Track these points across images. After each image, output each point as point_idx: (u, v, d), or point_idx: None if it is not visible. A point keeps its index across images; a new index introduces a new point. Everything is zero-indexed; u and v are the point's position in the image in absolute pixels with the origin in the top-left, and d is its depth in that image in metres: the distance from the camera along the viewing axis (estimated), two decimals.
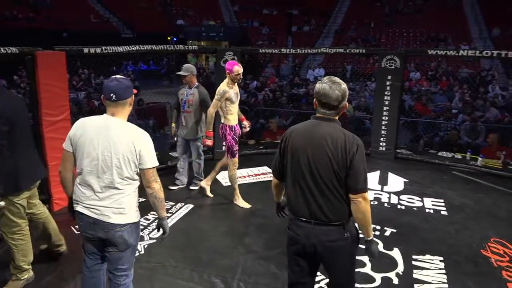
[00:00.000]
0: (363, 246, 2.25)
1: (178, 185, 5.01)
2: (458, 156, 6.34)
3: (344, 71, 15.48)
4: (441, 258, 3.51)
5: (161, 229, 2.51)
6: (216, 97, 4.25)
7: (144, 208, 4.31)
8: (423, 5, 21.62)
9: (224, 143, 4.65)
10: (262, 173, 5.61)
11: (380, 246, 3.66)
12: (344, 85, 2.13)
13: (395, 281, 3.19)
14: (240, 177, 5.43)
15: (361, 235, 2.21)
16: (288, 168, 2.18)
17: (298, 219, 2.17)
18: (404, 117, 8.25)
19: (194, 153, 4.97)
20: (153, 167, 2.28)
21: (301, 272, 2.26)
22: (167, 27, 20.87)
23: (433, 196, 4.83)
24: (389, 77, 5.85)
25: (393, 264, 3.40)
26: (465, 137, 7.70)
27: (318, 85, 2.14)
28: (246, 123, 4.66)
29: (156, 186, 2.31)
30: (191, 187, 5.01)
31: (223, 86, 4.25)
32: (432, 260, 3.50)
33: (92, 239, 2.33)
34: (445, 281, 3.20)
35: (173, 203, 4.53)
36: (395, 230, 4.01)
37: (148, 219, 4.13)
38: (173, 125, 5.15)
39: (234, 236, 3.87)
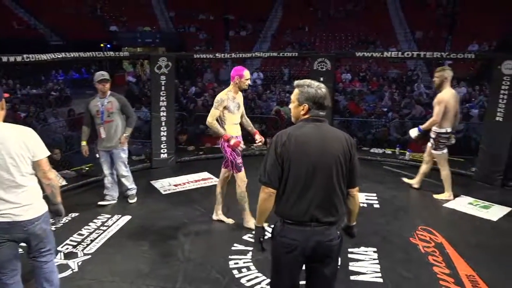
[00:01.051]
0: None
1: (108, 201, 4.68)
2: (388, 151, 6.71)
3: (282, 74, 15.82)
4: (375, 249, 3.69)
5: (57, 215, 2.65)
6: (214, 105, 3.87)
7: (78, 222, 4.16)
8: (353, 10, 22.70)
9: (224, 156, 4.11)
10: (202, 179, 5.56)
11: None
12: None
13: None
14: (179, 184, 5.36)
15: None
16: (289, 174, 2.10)
17: (295, 224, 2.13)
18: (339, 117, 8.61)
19: (120, 166, 4.61)
20: (45, 157, 2.44)
21: (291, 279, 2.23)
22: (100, 33, 20.07)
23: (367, 191, 5.07)
24: (322, 79, 6.04)
25: None
26: (394, 134, 8.19)
27: (311, 90, 2.14)
28: (258, 137, 4.06)
29: (52, 175, 2.50)
30: (130, 200, 4.74)
31: (221, 94, 3.89)
32: (366, 251, 3.67)
33: (8, 243, 2.38)
34: (379, 270, 3.36)
35: (109, 216, 4.36)
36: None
37: (82, 234, 3.93)
38: (84, 143, 4.59)
39: (173, 244, 3.79)
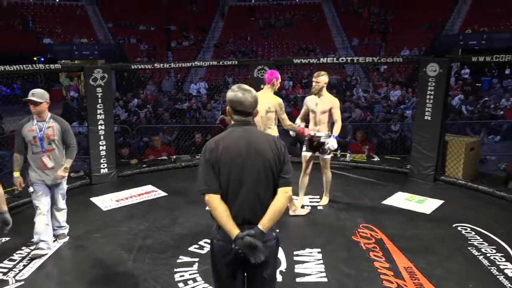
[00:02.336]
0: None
1: (43, 250, 3.71)
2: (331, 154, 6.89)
3: (226, 83, 15.88)
4: (319, 250, 3.77)
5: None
6: (282, 109, 4.25)
7: (9, 247, 3.87)
8: (292, 19, 23.38)
9: None
10: (146, 192, 5.41)
11: None
12: (254, 92, 2.21)
13: (279, 278, 3.31)
14: (121, 199, 5.18)
15: None
16: (220, 179, 2.11)
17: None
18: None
19: (59, 199, 3.97)
20: None
21: (231, 284, 2.20)
22: (33, 47, 19.04)
23: (311, 194, 5.18)
24: (262, 86, 6.12)
25: (277, 263, 3.54)
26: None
27: (230, 94, 2.17)
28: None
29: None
30: (60, 240, 3.98)
31: (277, 98, 4.29)
32: (311, 253, 3.73)
33: None
34: (323, 270, 3.43)
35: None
36: (278, 230, 4.17)
37: (13, 260, 3.67)
38: (17, 174, 3.78)
39: (115, 262, 3.63)
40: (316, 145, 4.61)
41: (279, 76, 4.40)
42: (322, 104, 4.51)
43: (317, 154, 4.67)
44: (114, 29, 21.85)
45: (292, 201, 4.58)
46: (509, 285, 3.19)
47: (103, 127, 5.68)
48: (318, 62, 6.31)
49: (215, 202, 2.11)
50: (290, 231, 4.22)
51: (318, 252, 3.73)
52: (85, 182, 5.73)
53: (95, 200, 5.14)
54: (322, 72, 4.54)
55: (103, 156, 5.75)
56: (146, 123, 9.98)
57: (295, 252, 3.72)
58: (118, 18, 22.23)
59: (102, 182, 5.74)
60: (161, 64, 6.08)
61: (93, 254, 3.80)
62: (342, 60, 6.16)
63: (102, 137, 5.70)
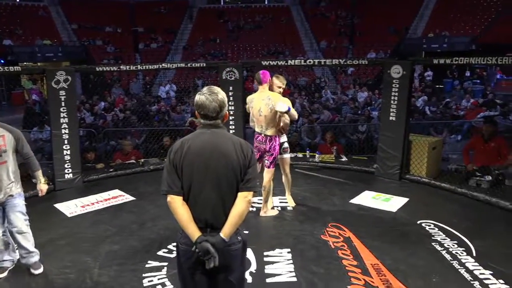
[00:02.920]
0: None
1: (8, 267, 3.49)
2: (300, 155, 6.99)
3: (196, 85, 15.77)
4: (289, 250, 3.80)
5: None
6: (289, 108, 4.24)
7: None
8: (261, 21, 23.50)
9: (268, 155, 4.48)
10: (113, 197, 5.29)
11: None
12: (221, 95, 2.17)
13: (249, 280, 3.33)
14: (87, 204, 5.04)
15: None
16: (182, 181, 2.10)
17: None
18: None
19: (18, 218, 3.39)
20: None
21: (199, 287, 2.18)
22: None
23: (280, 194, 5.21)
24: (231, 88, 6.15)
25: (247, 265, 3.54)
26: (305, 138, 8.59)
27: (197, 97, 2.16)
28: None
29: None
30: (34, 271, 3.46)
31: (281, 97, 4.34)
32: (281, 253, 3.76)
33: None
34: (293, 270, 3.46)
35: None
36: (247, 232, 4.17)
37: None
38: None
39: (81, 269, 3.53)
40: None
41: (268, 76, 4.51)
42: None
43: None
44: (79, 30, 21.29)
45: (265, 203, 4.61)
46: (469, 277, 3.31)
47: (67, 131, 5.51)
48: (286, 64, 6.37)
49: (176, 204, 2.09)
50: (260, 232, 4.24)
51: (288, 252, 3.76)
52: (48, 189, 5.49)
53: (59, 206, 4.98)
54: (283, 76, 4.68)
55: (67, 161, 5.58)
56: (113, 127, 9.76)
57: (265, 253, 3.74)
58: (82, 19, 21.66)
59: (66, 188, 5.57)
60: (127, 66, 5.96)
61: (57, 262, 3.67)
62: (310, 62, 6.24)
63: (66, 141, 5.53)
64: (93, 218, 4.67)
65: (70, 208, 4.93)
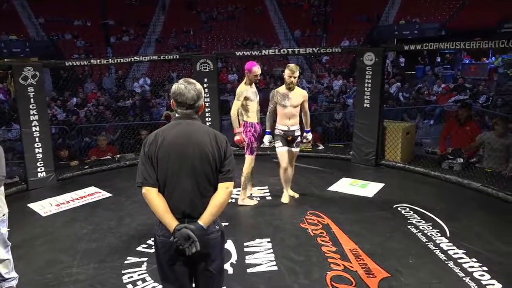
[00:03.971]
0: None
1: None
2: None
3: (171, 78, 15.55)
4: (269, 239, 3.82)
5: None
6: (236, 97, 4.40)
7: None
8: (234, 11, 23.28)
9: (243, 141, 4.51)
10: (89, 194, 5.19)
11: None
12: (199, 86, 2.20)
13: (230, 271, 3.34)
14: (62, 203, 4.94)
15: None
16: (158, 172, 2.09)
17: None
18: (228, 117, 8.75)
19: None
20: None
21: (178, 280, 2.17)
22: None
23: (259, 185, 5.23)
24: (206, 80, 6.10)
25: (227, 256, 3.54)
26: None
27: (174, 86, 2.18)
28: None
29: None
30: None
31: (241, 87, 4.42)
32: (261, 243, 3.78)
33: None
34: (273, 259, 3.49)
35: None
36: (227, 223, 4.19)
37: None
38: None
39: (58, 268, 3.46)
40: (290, 140, 4.58)
41: (252, 68, 4.41)
42: (294, 99, 4.48)
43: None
44: (46, 24, 20.56)
45: (244, 190, 4.65)
46: (444, 258, 3.42)
47: (37, 129, 5.36)
48: (260, 54, 6.36)
49: (152, 195, 2.09)
50: (240, 223, 4.25)
51: (268, 242, 3.78)
52: (21, 188, 5.38)
53: (33, 206, 4.85)
54: (295, 65, 4.55)
55: (39, 159, 5.43)
56: (87, 123, 9.55)
57: (245, 244, 3.75)
58: (50, 13, 20.92)
59: (40, 187, 5.44)
60: (98, 60, 5.81)
61: (33, 263, 3.59)
62: (284, 51, 6.26)
63: (37, 139, 5.38)
64: (69, 216, 4.58)
65: (45, 207, 4.82)
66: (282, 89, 4.52)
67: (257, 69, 4.44)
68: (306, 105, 4.64)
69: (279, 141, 4.58)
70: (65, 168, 6.08)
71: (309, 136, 4.72)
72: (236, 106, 4.40)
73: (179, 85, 2.17)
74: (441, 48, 5.21)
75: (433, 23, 18.64)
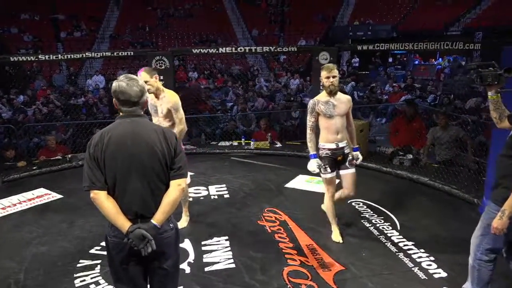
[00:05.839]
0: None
1: None
2: (235, 143, 7.03)
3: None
4: (226, 237, 3.83)
5: None
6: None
7: None
8: (192, 9, 23.01)
9: None
10: (38, 196, 4.96)
11: None
12: (141, 81, 2.12)
13: (187, 270, 3.31)
14: (8, 206, 4.69)
15: None
16: (106, 173, 2.02)
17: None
18: (187, 115, 8.64)
19: None
20: None
21: (131, 280, 2.11)
22: None
23: (217, 183, 5.22)
24: (161, 77, 5.97)
25: (184, 255, 3.51)
26: (241, 126, 8.62)
27: (114, 84, 2.07)
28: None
29: None
30: None
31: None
32: (219, 241, 3.77)
33: None
34: (231, 256, 3.50)
35: None
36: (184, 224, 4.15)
37: None
38: None
39: (3, 275, 3.28)
40: (340, 160, 3.65)
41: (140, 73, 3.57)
42: (341, 105, 3.60)
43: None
44: None
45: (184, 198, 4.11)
46: (395, 250, 3.57)
47: None
48: (217, 52, 6.34)
49: (101, 199, 2.03)
50: (198, 222, 4.21)
51: (226, 240, 3.78)
52: None
53: None
54: (333, 64, 3.70)
55: None
56: (35, 122, 9.08)
57: (203, 242, 3.74)
58: None
59: None
60: (46, 56, 5.55)
61: None
62: (241, 50, 6.25)
63: None
64: (16, 220, 4.36)
65: None
66: (322, 96, 3.60)
67: (143, 74, 3.55)
68: (351, 115, 3.71)
69: (327, 165, 3.60)
70: (11, 170, 5.77)
71: (360, 156, 3.73)
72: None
73: (120, 82, 2.06)
74: (392, 49, 5.42)
75: (386, 25, 19.35)
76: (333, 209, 3.75)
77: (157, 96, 3.72)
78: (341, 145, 3.60)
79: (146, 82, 3.39)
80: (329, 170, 3.61)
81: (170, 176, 2.10)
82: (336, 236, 3.74)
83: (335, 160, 3.61)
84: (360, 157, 3.73)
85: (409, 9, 20.56)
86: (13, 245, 3.79)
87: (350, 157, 3.65)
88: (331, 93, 3.54)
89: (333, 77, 3.51)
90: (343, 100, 3.60)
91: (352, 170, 3.69)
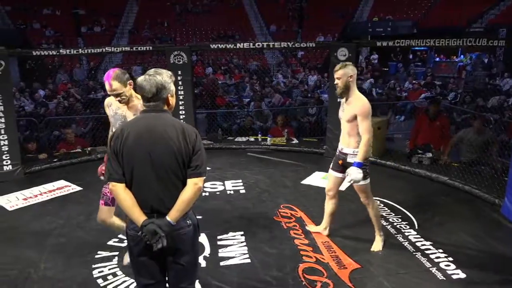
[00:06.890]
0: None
1: None
2: (252, 139, 7.03)
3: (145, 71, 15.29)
4: (242, 233, 3.83)
5: None
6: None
7: None
8: (210, 5, 23.07)
9: None
10: (58, 188, 5.05)
11: None
12: (159, 77, 2.08)
13: (203, 264, 3.33)
14: (29, 197, 4.79)
15: None
16: (125, 167, 2.05)
17: None
18: (204, 110, 8.70)
19: None
20: None
21: (149, 273, 2.14)
22: None
23: (233, 178, 5.23)
24: (180, 72, 6.02)
25: (200, 249, 3.52)
26: (257, 122, 8.62)
27: (138, 79, 2.11)
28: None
29: None
30: None
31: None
32: (234, 236, 3.78)
33: None
34: (246, 252, 3.50)
35: None
36: (200, 217, 4.16)
37: None
38: None
39: (24, 265, 3.36)
40: (341, 165, 3.50)
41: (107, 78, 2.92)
42: (348, 110, 3.38)
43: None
44: (13, 13, 19.77)
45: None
46: (412, 249, 3.52)
47: (3, 120, 5.17)
48: (234, 47, 6.33)
49: (118, 190, 2.05)
50: (214, 217, 4.23)
51: (241, 235, 3.79)
52: None
53: None
54: (342, 64, 3.40)
55: (5, 152, 5.25)
56: (56, 115, 9.26)
57: (218, 237, 3.75)
58: (17, 1, 20.14)
59: (6, 180, 5.25)
60: (67, 50, 5.64)
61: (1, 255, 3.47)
62: (259, 45, 6.24)
63: (2, 131, 5.20)
64: (36, 210, 4.45)
65: (11, 201, 4.66)
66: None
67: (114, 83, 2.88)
68: (362, 124, 3.29)
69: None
70: (33, 161, 5.89)
71: (355, 174, 3.24)
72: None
73: (142, 77, 2.10)
74: (412, 45, 5.32)
75: (406, 21, 19.04)
76: (326, 206, 3.73)
77: (127, 104, 3.09)
78: (344, 151, 3.46)
79: (119, 94, 2.90)
80: (330, 166, 3.63)
81: (188, 174, 2.08)
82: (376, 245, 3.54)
83: (337, 161, 3.54)
84: (353, 177, 3.24)
85: (431, 5, 20.16)
86: (33, 235, 3.87)
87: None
88: (341, 95, 3.39)
89: (337, 78, 3.31)
90: (352, 105, 3.33)
91: (347, 177, 3.41)
